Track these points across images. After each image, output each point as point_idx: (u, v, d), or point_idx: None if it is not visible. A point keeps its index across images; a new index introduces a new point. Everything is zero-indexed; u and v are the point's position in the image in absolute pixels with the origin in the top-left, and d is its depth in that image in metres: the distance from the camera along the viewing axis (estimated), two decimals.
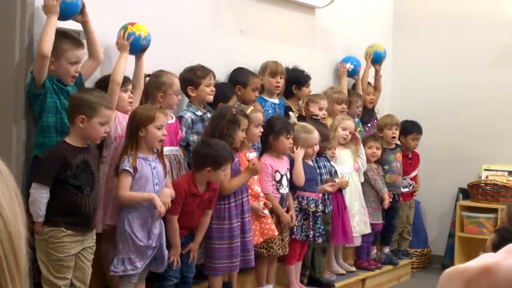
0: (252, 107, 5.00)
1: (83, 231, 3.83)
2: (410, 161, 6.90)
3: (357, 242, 6.07)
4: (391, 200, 6.29)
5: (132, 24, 4.34)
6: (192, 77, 4.85)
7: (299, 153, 5.20)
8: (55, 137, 3.92)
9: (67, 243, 3.76)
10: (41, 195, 3.71)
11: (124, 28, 4.31)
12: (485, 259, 0.64)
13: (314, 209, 5.25)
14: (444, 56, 7.38)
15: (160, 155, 4.21)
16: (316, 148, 5.32)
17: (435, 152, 7.25)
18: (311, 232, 5.23)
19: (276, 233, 4.92)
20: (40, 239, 3.75)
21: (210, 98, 4.89)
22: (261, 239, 4.87)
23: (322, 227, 5.32)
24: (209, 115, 4.87)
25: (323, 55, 6.60)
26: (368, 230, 6.07)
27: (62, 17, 3.98)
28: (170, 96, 4.56)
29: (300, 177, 5.17)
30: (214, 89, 4.88)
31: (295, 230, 5.19)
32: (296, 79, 5.87)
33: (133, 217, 4.07)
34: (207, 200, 4.46)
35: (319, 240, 5.33)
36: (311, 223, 5.23)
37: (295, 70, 5.92)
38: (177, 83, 4.62)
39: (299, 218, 5.22)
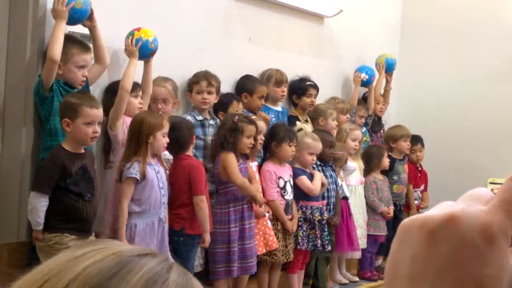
0: (254, 117, 5.02)
1: (83, 236, 3.84)
2: (419, 174, 6.91)
3: (358, 254, 6.07)
4: (390, 212, 6.27)
5: (138, 29, 4.37)
6: (190, 81, 4.89)
7: (319, 173, 5.30)
8: (62, 140, 3.93)
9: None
10: (40, 203, 3.72)
11: (131, 34, 4.34)
12: (449, 208, 0.60)
13: (319, 217, 5.25)
14: (451, 68, 7.37)
15: (159, 158, 4.23)
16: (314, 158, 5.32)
17: (440, 165, 7.23)
18: (319, 241, 5.24)
19: (276, 246, 4.93)
20: (44, 245, 3.76)
21: (202, 106, 4.85)
22: (264, 250, 4.89)
23: (328, 233, 5.34)
24: (211, 122, 4.87)
25: (331, 64, 6.61)
26: (365, 245, 6.07)
27: (71, 22, 4.03)
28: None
29: (318, 189, 5.23)
30: (207, 97, 4.83)
31: (300, 240, 5.18)
32: (294, 89, 5.88)
33: (136, 223, 4.07)
34: None
35: (328, 248, 5.34)
36: (317, 232, 5.23)
37: (295, 80, 5.92)
38: (160, 91, 4.60)
39: (304, 228, 5.22)
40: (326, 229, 5.30)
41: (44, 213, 3.74)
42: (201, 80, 4.84)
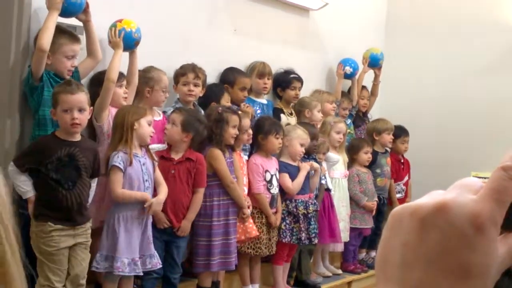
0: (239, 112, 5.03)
1: (70, 225, 3.80)
2: (402, 166, 6.92)
3: (340, 247, 6.09)
4: (373, 206, 6.28)
5: (120, 20, 4.38)
6: (176, 73, 4.87)
7: (306, 167, 5.25)
8: (51, 130, 3.94)
9: (55, 237, 3.74)
10: (16, 176, 3.72)
11: (113, 26, 4.35)
12: (439, 196, 0.62)
13: (303, 211, 5.25)
14: (436, 62, 7.40)
15: (147, 150, 4.22)
16: (303, 150, 5.33)
17: (423, 158, 7.26)
18: (303, 234, 5.24)
19: (256, 233, 4.92)
20: (32, 232, 3.75)
21: (187, 98, 4.83)
22: (243, 237, 4.87)
23: (316, 226, 5.34)
24: None
25: (316, 57, 6.62)
26: (347, 238, 6.07)
27: (65, 14, 4.04)
28: (157, 92, 4.58)
29: (297, 188, 5.22)
30: (193, 89, 4.82)
31: (281, 233, 5.19)
32: (278, 82, 5.88)
33: (123, 215, 4.06)
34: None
35: (314, 241, 5.35)
36: (302, 225, 5.23)
37: (280, 73, 5.91)
38: (165, 80, 4.64)
39: (288, 221, 5.22)
40: (312, 222, 5.31)
41: (24, 182, 3.73)
42: (188, 72, 4.82)
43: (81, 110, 3.78)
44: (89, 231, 3.93)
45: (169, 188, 4.33)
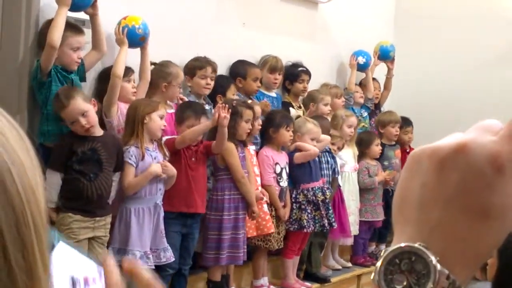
0: (250, 100, 5.02)
1: (89, 216, 3.88)
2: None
3: (350, 241, 6.09)
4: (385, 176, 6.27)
5: (125, 17, 4.42)
6: (193, 66, 4.86)
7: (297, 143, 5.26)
8: (59, 125, 3.98)
9: (74, 229, 3.84)
10: (52, 181, 3.80)
11: (118, 23, 4.39)
12: (458, 137, 0.61)
13: (322, 197, 5.25)
14: (445, 54, 7.35)
15: (159, 144, 4.24)
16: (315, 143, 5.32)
17: None
18: (326, 221, 5.24)
19: (272, 230, 4.93)
20: (53, 226, 3.79)
21: (204, 91, 4.86)
22: (255, 233, 4.88)
23: (332, 211, 5.36)
24: (207, 107, 4.85)
25: (324, 50, 6.60)
26: (357, 232, 6.07)
27: (74, 8, 4.07)
28: (174, 88, 4.60)
29: (315, 149, 5.23)
30: (210, 83, 4.84)
31: (305, 223, 5.18)
32: (286, 75, 5.87)
33: (135, 209, 4.09)
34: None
35: (335, 226, 5.35)
36: (323, 212, 5.23)
37: (288, 66, 5.89)
38: (182, 76, 4.66)
39: (309, 211, 5.21)
40: (330, 207, 5.31)
41: (56, 191, 3.84)
42: (207, 65, 4.83)
43: (83, 114, 3.87)
44: (109, 226, 4.00)
45: (194, 175, 4.38)
